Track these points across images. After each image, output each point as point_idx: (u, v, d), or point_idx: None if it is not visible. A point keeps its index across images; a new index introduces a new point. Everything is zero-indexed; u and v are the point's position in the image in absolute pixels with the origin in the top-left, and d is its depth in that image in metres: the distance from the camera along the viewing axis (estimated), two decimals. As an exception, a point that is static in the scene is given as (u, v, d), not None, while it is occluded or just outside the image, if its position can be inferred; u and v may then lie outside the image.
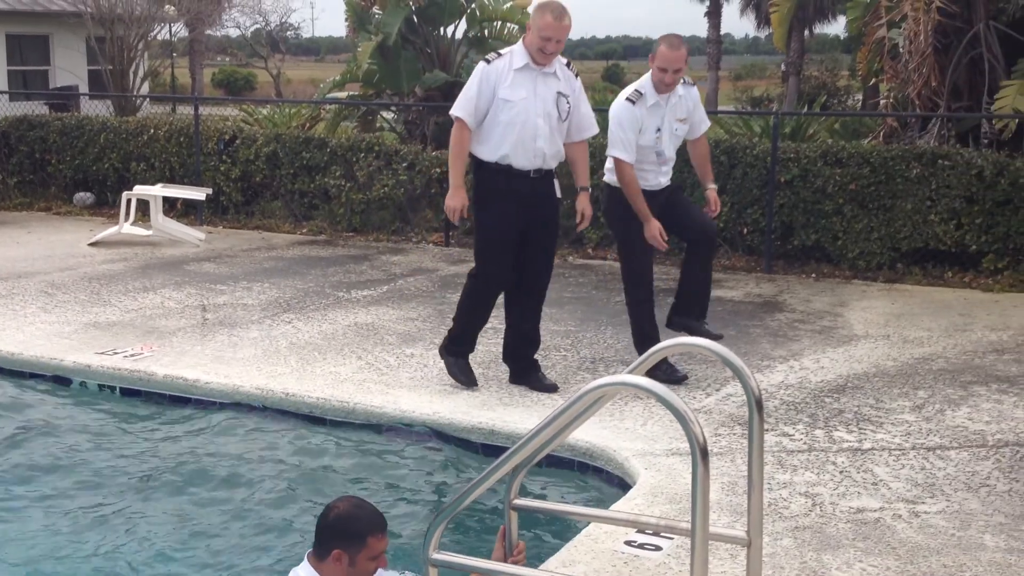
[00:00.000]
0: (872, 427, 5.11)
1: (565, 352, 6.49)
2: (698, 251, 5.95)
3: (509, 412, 5.32)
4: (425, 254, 10.08)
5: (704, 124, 6.06)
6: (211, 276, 8.84)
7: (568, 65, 5.65)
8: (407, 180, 10.85)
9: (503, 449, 4.81)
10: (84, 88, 22.41)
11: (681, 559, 3.67)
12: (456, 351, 5.83)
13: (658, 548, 3.78)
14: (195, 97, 15.72)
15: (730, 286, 8.57)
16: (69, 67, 23.58)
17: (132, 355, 6.33)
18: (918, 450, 4.81)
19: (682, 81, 5.77)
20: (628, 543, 3.83)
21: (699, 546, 2.83)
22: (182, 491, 4.74)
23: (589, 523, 3.99)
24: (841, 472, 4.54)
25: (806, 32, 32.07)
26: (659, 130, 5.73)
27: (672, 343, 3.57)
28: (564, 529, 4.23)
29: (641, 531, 3.87)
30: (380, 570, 3.45)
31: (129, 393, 5.98)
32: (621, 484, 4.61)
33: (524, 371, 5.79)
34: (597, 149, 7.75)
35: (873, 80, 13.03)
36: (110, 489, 4.75)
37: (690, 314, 5.94)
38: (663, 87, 5.67)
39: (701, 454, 2.79)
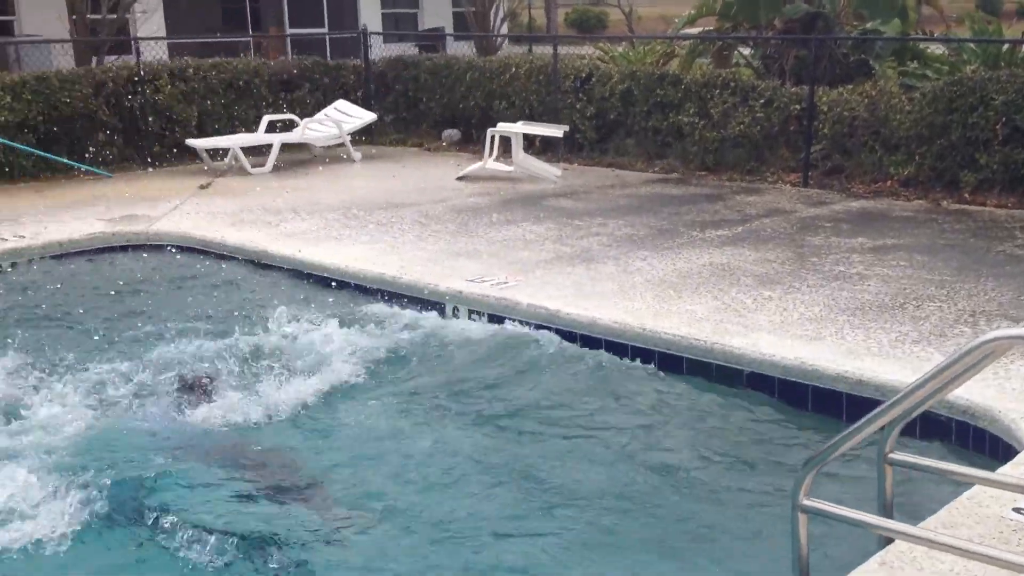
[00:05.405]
0: None
1: (940, 303, 6.05)
2: None
3: (879, 363, 5.04)
4: (781, 195, 9.76)
5: None
6: (567, 211, 9.05)
7: None
8: (763, 117, 10.52)
9: (869, 400, 4.63)
10: (449, 29, 23.65)
11: (1081, 535, 3.32)
12: None
13: (1052, 520, 3.44)
14: (553, 36, 16.16)
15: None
16: (435, 9, 24.98)
17: (498, 284, 6.63)
18: None
19: None
20: (1017, 510, 3.52)
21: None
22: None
23: (972, 486, 3.71)
24: None
25: None
26: None
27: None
28: (937, 490, 3.96)
29: (1032, 500, 3.55)
30: None
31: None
32: (1005, 449, 4.25)
33: None
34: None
35: None
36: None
37: None
38: None
39: None
